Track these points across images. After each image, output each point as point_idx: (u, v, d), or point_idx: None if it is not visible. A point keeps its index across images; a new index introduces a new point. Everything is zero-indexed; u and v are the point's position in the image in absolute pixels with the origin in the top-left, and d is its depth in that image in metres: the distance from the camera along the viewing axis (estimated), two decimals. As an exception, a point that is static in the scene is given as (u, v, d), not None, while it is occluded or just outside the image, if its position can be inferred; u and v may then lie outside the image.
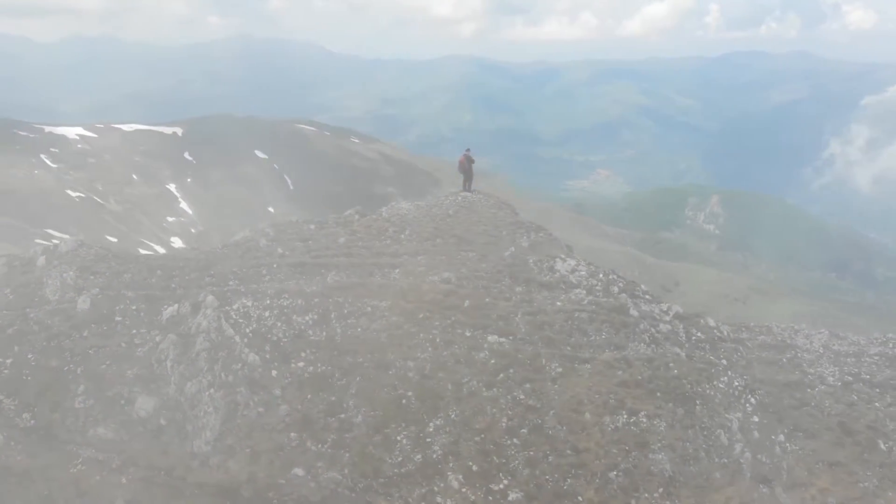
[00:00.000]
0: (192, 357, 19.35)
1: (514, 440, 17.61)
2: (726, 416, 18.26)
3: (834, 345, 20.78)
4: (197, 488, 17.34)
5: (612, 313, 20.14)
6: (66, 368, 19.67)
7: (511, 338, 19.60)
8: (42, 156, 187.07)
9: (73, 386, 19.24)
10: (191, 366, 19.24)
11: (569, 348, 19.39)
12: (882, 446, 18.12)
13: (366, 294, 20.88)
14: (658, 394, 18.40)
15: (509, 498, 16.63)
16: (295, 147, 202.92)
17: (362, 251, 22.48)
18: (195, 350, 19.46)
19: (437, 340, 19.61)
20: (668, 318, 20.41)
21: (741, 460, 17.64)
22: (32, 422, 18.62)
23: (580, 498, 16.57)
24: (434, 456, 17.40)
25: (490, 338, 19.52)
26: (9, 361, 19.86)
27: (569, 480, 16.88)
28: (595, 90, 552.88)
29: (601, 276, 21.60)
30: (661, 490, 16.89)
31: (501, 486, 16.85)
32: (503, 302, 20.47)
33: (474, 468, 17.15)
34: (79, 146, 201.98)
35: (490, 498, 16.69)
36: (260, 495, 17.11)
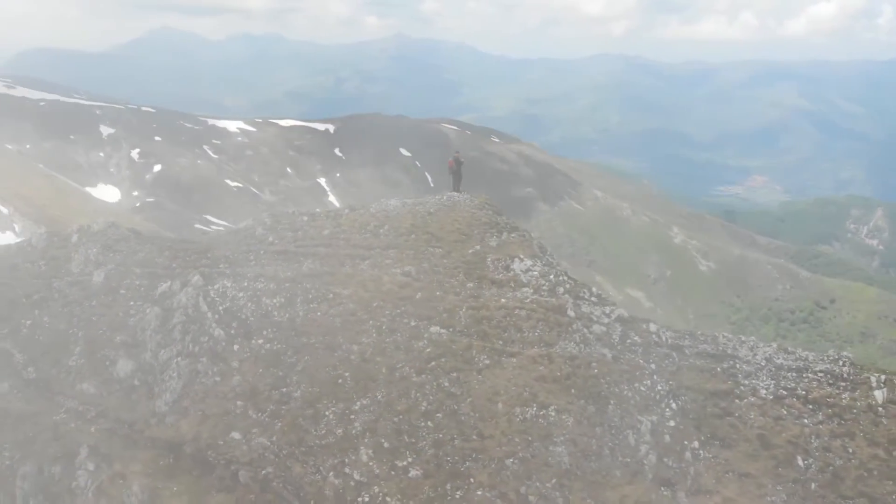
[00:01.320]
0: (168, 328, 21.86)
1: (429, 423, 18.87)
2: (639, 417, 18.71)
3: (778, 358, 20.49)
4: (150, 442, 19.76)
5: (549, 312, 20.92)
6: (70, 331, 22.70)
7: (451, 329, 20.82)
8: (205, 147, 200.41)
9: (73, 346, 22.22)
10: (167, 336, 21.75)
11: (501, 343, 20.39)
12: (800, 462, 18.01)
13: (332, 282, 22.69)
14: (573, 390, 19.10)
15: (409, 474, 17.95)
16: (437, 146, 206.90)
17: (341, 243, 24.31)
18: (172, 322, 21.96)
19: (384, 328, 21.13)
20: (606, 321, 20.90)
21: (644, 462, 18.08)
22: (34, 374, 21.71)
23: (472, 480, 17.65)
24: (353, 431, 18.96)
25: (432, 328, 20.83)
26: (28, 323, 23.13)
27: (467, 463, 17.99)
28: (753, 92, 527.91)
29: (552, 277, 22.33)
30: (553, 481, 17.66)
31: (405, 462, 18.19)
32: (452, 296, 21.69)
33: (385, 445, 18.57)
34: (238, 139, 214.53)
35: (392, 473, 18.07)
36: (200, 453, 19.29)
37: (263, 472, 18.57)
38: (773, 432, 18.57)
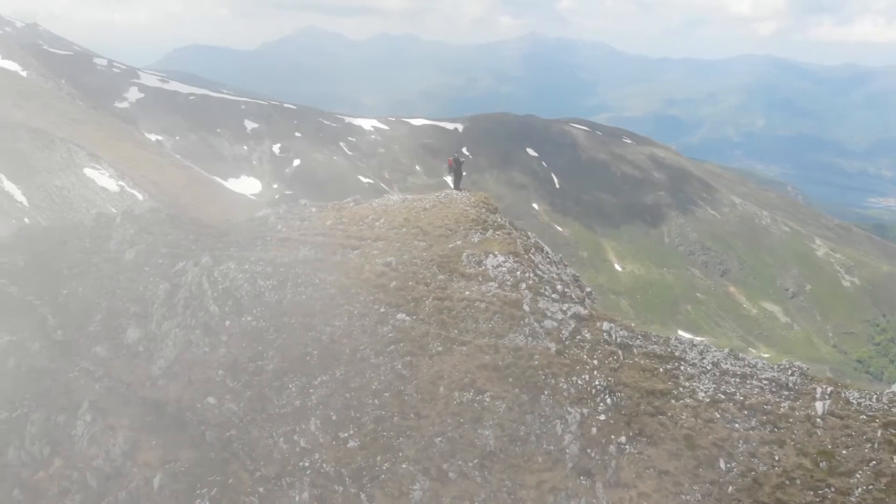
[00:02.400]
0: (173, 303, 24.43)
1: (375, 400, 20.44)
2: (569, 409, 19.54)
3: (726, 364, 20.61)
4: (141, 400, 22.32)
5: (505, 306, 21.96)
6: (97, 301, 25.70)
7: (414, 317, 22.27)
8: (341, 143, 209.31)
9: (95, 314, 25.18)
10: (171, 309, 24.32)
11: (456, 332, 21.65)
12: (722, 465, 18.37)
13: (321, 268, 24.60)
14: (510, 379, 20.15)
15: (348, 445, 19.61)
16: (564, 147, 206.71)
17: (338, 233, 26.18)
18: (177, 298, 24.53)
19: (356, 312, 22.85)
20: (560, 317, 21.69)
21: (567, 451, 18.94)
22: (61, 337, 24.79)
23: (401, 454, 19.10)
24: (309, 403, 20.80)
25: (399, 315, 22.37)
26: (65, 292, 26.34)
27: (400, 439, 19.45)
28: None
29: (518, 273, 23.28)
30: (476, 461, 18.86)
31: (347, 434, 19.86)
32: (422, 286, 23.10)
33: (333, 418, 20.30)
34: (372, 137, 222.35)
35: (334, 442, 19.78)
36: (180, 413, 21.67)
37: (227, 433, 20.72)
38: (701, 434, 18.96)
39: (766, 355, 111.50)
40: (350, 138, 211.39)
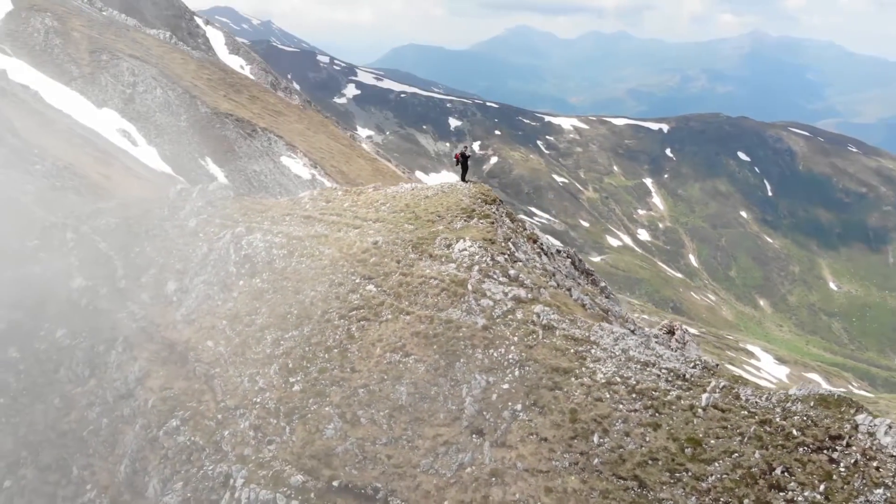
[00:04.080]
0: (205, 263, 29.18)
1: (325, 354, 23.88)
2: (477, 376, 21.88)
3: (634, 351, 21.79)
4: (161, 339, 27.22)
5: (453, 284, 24.45)
6: (156, 259, 31.03)
7: (379, 289, 25.42)
8: (538, 142, 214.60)
9: (152, 270, 30.50)
10: (203, 268, 29.09)
11: (406, 303, 24.52)
12: (595, 439, 20.03)
13: (323, 243, 28.35)
14: (435, 346, 22.78)
15: (293, 388, 23.22)
16: (780, 153, 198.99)
17: (349, 214, 29.74)
18: (209, 259, 29.24)
19: (336, 281, 26.36)
20: (499, 298, 23.83)
21: (465, 411, 21.34)
22: (123, 285, 30.33)
23: (329, 399, 22.38)
24: (276, 353, 24.62)
25: (368, 286, 25.62)
26: (137, 250, 31.95)
27: (333, 387, 22.75)
28: None
29: (477, 257, 25.57)
30: (386, 411, 21.78)
31: (295, 379, 23.47)
32: (394, 263, 26.13)
33: (290, 365, 23.98)
34: (570, 136, 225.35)
35: (284, 385, 23.45)
36: (185, 352, 26.29)
37: (213, 371, 25.03)
38: (585, 410, 20.64)
39: None
40: (548, 137, 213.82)
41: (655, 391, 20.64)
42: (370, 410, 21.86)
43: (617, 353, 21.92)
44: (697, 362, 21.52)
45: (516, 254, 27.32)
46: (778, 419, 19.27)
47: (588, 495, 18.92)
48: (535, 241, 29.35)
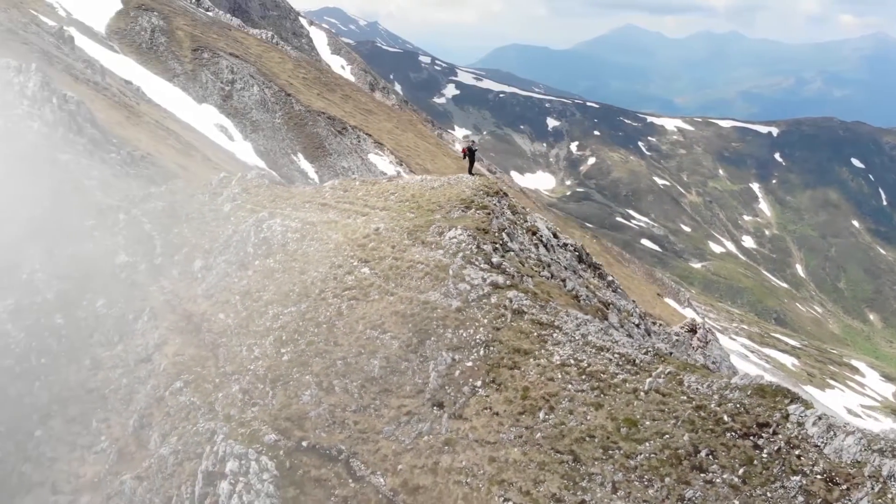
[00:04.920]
0: (228, 244, 31.79)
1: (315, 329, 25.95)
2: (444, 353, 23.46)
3: (592, 336, 22.77)
4: (182, 311, 29.95)
5: (436, 269, 26.03)
6: (190, 239, 33.89)
7: (372, 271, 27.30)
8: (639, 143, 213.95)
9: (185, 249, 33.37)
10: (226, 248, 31.74)
11: (392, 285, 26.29)
12: (541, 415, 21.32)
13: (333, 228, 30.47)
14: (410, 324, 24.48)
15: (283, 358, 25.40)
16: None
17: (359, 202, 31.74)
18: (232, 240, 31.83)
19: (336, 263, 28.42)
20: (476, 283, 25.22)
21: (430, 384, 22.99)
22: (159, 262, 33.30)
23: (310, 369, 24.42)
24: (274, 326, 26.89)
25: (363, 269, 27.57)
26: (175, 231, 34.93)
27: (316, 358, 24.84)
28: None
29: (464, 245, 27.03)
30: (359, 382, 23.65)
31: (285, 350, 25.68)
32: (389, 248, 27.94)
33: (283, 338, 26.20)
34: (673, 137, 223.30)
35: (276, 355, 25.68)
36: (200, 323, 28.91)
37: (219, 340, 27.50)
38: (536, 388, 21.91)
39: None
40: (650, 138, 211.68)
41: (604, 374, 21.71)
42: (345, 380, 23.77)
43: (576, 338, 23.06)
44: (650, 349, 22.43)
45: (509, 244, 28.68)
46: (713, 405, 20.05)
47: (526, 466, 20.23)
48: (534, 234, 30.59)
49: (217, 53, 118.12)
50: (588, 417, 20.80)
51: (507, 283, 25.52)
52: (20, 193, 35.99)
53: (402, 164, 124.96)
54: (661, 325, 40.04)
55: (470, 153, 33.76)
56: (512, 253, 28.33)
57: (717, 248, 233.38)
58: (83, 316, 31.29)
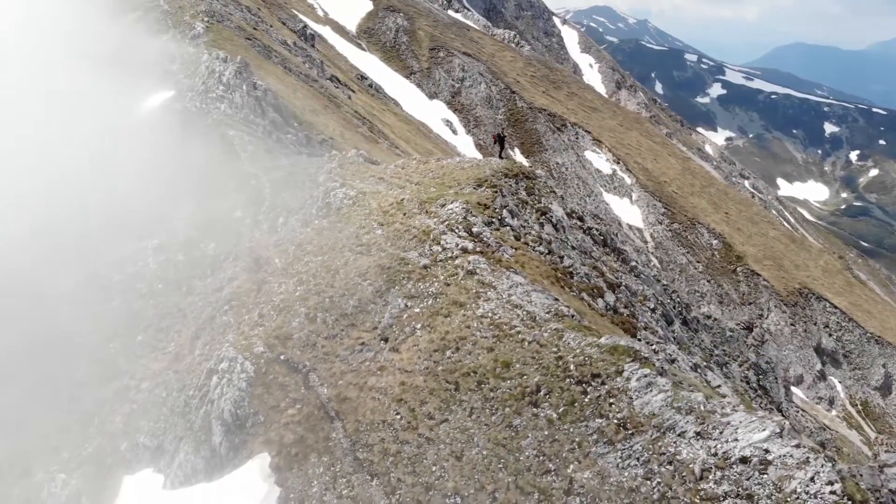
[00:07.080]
0: (303, 206, 38.86)
1: (325, 274, 32.07)
2: (399, 299, 28.54)
3: (517, 297, 26.37)
4: (255, 255, 37.46)
5: (422, 234, 30.71)
6: (287, 201, 41.39)
7: (380, 233, 32.87)
8: None
9: (279, 208, 40.91)
10: (301, 209, 38.85)
11: (389, 245, 31.64)
12: (448, 353, 25.76)
13: (374, 198, 36.33)
14: (384, 276, 29.76)
15: (295, 294, 31.79)
16: None
17: (404, 178, 37.12)
18: (307, 203, 38.85)
19: (362, 224, 34.30)
20: (449, 247, 29.69)
21: (381, 322, 28.27)
22: (260, 219, 41.24)
23: (307, 303, 30.63)
24: (302, 270, 33.38)
25: (378, 230, 33.22)
26: (283, 195, 42.71)
27: (314, 296, 30.90)
28: None
29: (454, 215, 31.45)
30: (335, 318, 29.48)
31: (299, 289, 32.05)
32: (402, 215, 33.27)
33: (303, 279, 32.64)
34: None
35: (293, 291, 32.14)
36: (263, 265, 36.22)
37: (267, 278, 34.63)
38: (454, 332, 26.26)
39: None
40: None
41: (506, 325, 25.58)
42: (326, 314, 29.72)
43: (504, 298, 27.00)
44: (554, 311, 25.84)
45: (507, 220, 32.77)
46: (570, 357, 23.28)
47: (421, 390, 24.92)
48: (543, 214, 34.22)
49: (451, 52, 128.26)
50: (479, 358, 24.90)
51: (477, 249, 29.84)
52: (185, 160, 45.82)
53: (619, 163, 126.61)
54: (714, 319, 40.96)
55: (500, 139, 37.71)
56: (508, 227, 32.40)
57: None
58: (197, 255, 40.10)
